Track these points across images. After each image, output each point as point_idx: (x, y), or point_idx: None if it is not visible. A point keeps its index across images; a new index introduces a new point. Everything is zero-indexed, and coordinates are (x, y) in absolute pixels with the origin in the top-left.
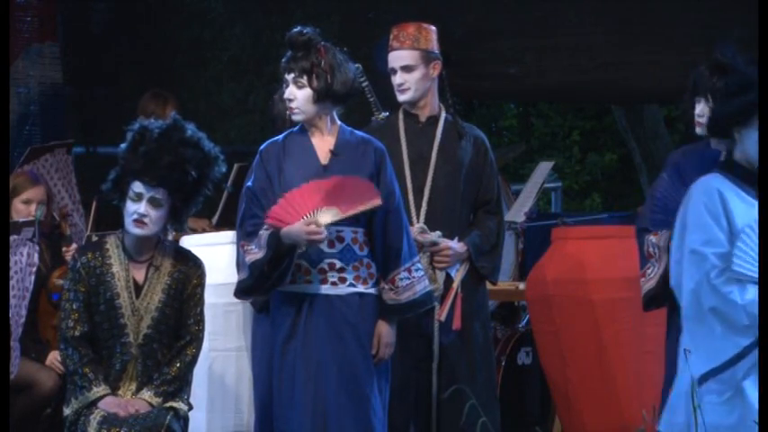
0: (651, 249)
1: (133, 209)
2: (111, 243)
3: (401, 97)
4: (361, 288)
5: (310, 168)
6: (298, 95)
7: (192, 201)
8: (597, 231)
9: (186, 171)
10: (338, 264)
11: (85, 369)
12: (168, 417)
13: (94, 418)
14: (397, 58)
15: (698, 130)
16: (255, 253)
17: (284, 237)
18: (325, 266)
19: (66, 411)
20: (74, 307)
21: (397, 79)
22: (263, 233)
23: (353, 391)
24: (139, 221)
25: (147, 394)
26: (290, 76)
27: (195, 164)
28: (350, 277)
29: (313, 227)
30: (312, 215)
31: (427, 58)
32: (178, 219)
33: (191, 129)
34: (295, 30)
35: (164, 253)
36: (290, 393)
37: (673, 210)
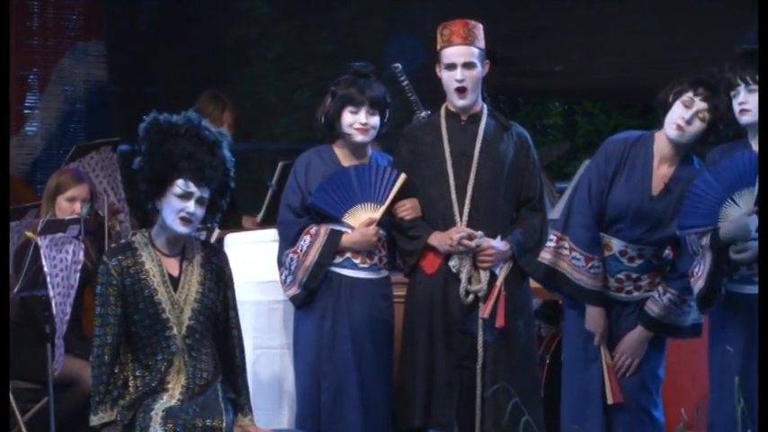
0: (695, 248)
1: (180, 206)
2: (139, 242)
3: (459, 102)
4: None
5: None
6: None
7: (224, 197)
8: None
9: (227, 170)
10: None
11: (105, 387)
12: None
13: (156, 414)
14: (460, 53)
15: (747, 119)
16: None
17: None
18: None
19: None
20: (107, 311)
21: (457, 75)
22: None
23: None
24: (186, 219)
25: (245, 420)
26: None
27: (229, 164)
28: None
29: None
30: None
31: (482, 56)
32: (212, 214)
33: (205, 125)
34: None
35: (193, 246)
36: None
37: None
